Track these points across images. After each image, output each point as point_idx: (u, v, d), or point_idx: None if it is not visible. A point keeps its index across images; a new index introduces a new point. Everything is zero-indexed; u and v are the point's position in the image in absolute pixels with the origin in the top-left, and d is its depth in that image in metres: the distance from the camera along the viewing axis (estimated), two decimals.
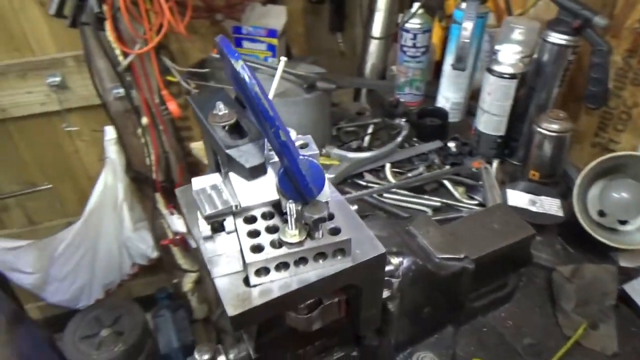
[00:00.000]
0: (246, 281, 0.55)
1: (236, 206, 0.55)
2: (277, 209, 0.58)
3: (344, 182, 1.21)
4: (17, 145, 1.73)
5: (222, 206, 0.54)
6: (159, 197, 1.75)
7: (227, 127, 0.56)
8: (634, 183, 1.02)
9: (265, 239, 0.55)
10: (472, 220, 0.90)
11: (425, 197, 1.15)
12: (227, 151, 0.54)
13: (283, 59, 0.79)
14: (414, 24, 1.34)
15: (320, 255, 0.55)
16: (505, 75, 1.15)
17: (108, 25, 1.34)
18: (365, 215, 1.04)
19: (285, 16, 1.60)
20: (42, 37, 1.55)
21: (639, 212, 1.02)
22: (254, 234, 0.55)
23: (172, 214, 1.76)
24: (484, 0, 1.26)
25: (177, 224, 1.75)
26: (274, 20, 1.58)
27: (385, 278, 0.69)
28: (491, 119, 1.22)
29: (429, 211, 1.12)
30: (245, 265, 0.54)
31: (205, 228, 0.56)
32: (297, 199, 0.53)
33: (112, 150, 1.65)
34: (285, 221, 0.53)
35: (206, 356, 0.68)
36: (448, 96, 1.41)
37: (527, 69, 1.18)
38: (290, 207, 0.52)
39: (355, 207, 0.71)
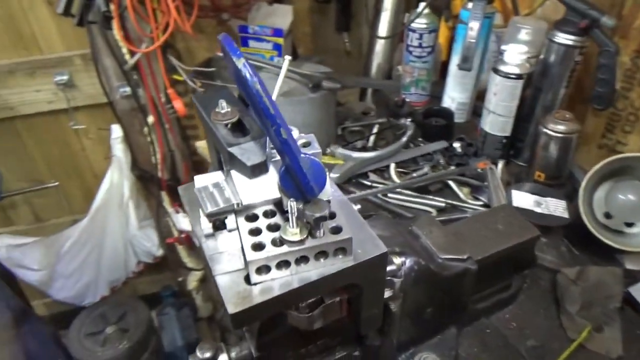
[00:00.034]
0: (247, 279, 0.55)
1: (238, 204, 0.55)
2: (278, 207, 0.58)
3: (348, 182, 1.21)
4: (25, 143, 1.75)
5: (223, 204, 0.54)
6: (164, 195, 1.76)
7: (229, 125, 0.57)
8: None
9: (266, 237, 0.55)
10: (476, 220, 0.89)
11: (430, 197, 1.14)
12: (229, 149, 0.54)
13: (287, 57, 0.79)
14: (420, 23, 1.34)
15: (322, 254, 0.55)
16: (511, 76, 1.14)
17: (115, 24, 1.35)
18: (369, 215, 1.04)
19: (292, 15, 1.60)
20: (50, 36, 1.57)
21: None
22: (255, 232, 0.55)
23: (177, 212, 1.77)
24: (491, 0, 1.26)
25: (182, 222, 1.75)
26: (280, 20, 1.58)
27: (387, 278, 0.68)
28: (497, 120, 1.21)
29: (434, 211, 1.11)
30: (246, 263, 0.54)
31: (206, 226, 0.56)
32: (298, 197, 0.53)
33: (119, 149, 1.66)
34: (287, 219, 0.53)
35: (208, 354, 0.68)
36: (454, 96, 1.40)
37: (533, 70, 1.17)
38: (292, 205, 0.51)
39: (358, 206, 0.71)
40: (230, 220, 0.56)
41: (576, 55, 1.13)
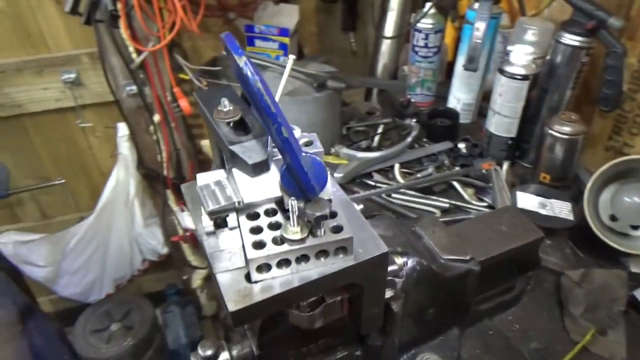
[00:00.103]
0: (248, 277, 0.55)
1: (239, 202, 0.55)
2: (280, 205, 0.58)
3: (352, 182, 1.21)
4: (33, 140, 1.76)
5: (224, 202, 0.55)
6: (169, 193, 1.76)
7: (231, 124, 0.57)
8: None
9: (267, 235, 0.55)
10: (479, 221, 0.89)
11: (434, 198, 1.14)
12: (230, 147, 0.54)
13: (291, 56, 0.79)
14: (426, 23, 1.34)
15: (322, 252, 0.55)
16: (517, 76, 1.14)
17: (122, 22, 1.36)
18: (372, 215, 1.04)
19: (298, 15, 1.60)
20: (57, 34, 1.57)
21: None
22: (256, 230, 0.55)
23: (182, 210, 1.77)
24: (498, 1, 1.25)
25: (187, 220, 1.76)
26: (286, 19, 1.58)
27: (389, 278, 0.68)
28: (502, 121, 1.21)
29: (438, 212, 1.11)
30: (247, 261, 0.54)
31: (208, 223, 0.56)
32: (299, 196, 0.53)
33: (125, 147, 1.67)
34: (288, 218, 0.53)
35: (209, 352, 0.68)
36: (459, 97, 1.40)
37: (539, 70, 1.16)
38: (292, 204, 0.52)
39: (361, 206, 0.70)
40: (231, 219, 0.56)
41: (583, 56, 1.12)
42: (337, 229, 0.55)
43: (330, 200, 0.55)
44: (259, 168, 0.55)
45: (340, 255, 0.56)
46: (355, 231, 0.55)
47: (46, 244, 1.72)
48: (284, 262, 0.54)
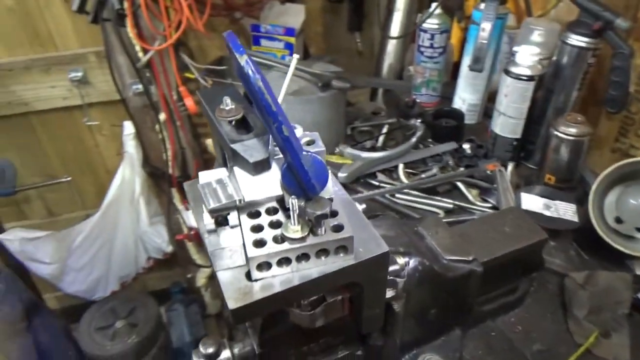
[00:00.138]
0: (248, 275, 0.55)
1: (240, 200, 0.56)
2: (281, 204, 0.58)
3: (356, 182, 1.21)
4: (40, 138, 1.78)
5: (225, 200, 0.55)
6: (175, 192, 1.77)
7: (233, 122, 0.57)
8: None
9: (267, 233, 0.55)
10: (482, 222, 0.89)
11: (438, 198, 1.14)
12: (232, 145, 0.54)
13: (295, 56, 0.79)
14: (431, 24, 1.33)
15: (323, 251, 0.55)
16: (523, 77, 1.13)
17: (128, 21, 1.37)
18: (375, 215, 1.04)
19: (304, 15, 1.61)
20: (65, 33, 1.59)
21: None
22: (257, 228, 0.55)
23: (187, 209, 1.78)
24: (504, 1, 1.25)
25: (192, 219, 1.77)
26: (292, 19, 1.59)
27: (390, 278, 0.68)
28: (507, 121, 1.20)
29: (441, 213, 1.11)
30: (247, 259, 0.54)
31: (209, 221, 0.56)
32: (300, 194, 0.53)
33: (131, 145, 1.68)
34: (289, 217, 0.53)
35: (211, 349, 0.68)
36: (465, 97, 1.39)
37: (545, 71, 1.16)
38: (293, 202, 0.52)
39: (363, 206, 0.71)
40: (232, 217, 0.56)
41: (589, 57, 1.11)
42: (338, 228, 0.55)
43: (331, 199, 0.55)
44: (260, 166, 0.55)
45: (341, 254, 0.56)
46: (356, 230, 0.55)
47: (52, 241, 1.74)
48: (284, 261, 0.54)
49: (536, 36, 1.20)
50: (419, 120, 1.34)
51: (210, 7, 1.40)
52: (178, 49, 1.52)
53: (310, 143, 0.61)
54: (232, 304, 0.52)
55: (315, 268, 0.55)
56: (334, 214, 0.56)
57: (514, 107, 1.18)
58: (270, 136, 0.55)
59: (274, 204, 0.58)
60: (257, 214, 0.57)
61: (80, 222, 1.78)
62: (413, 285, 0.72)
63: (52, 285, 1.85)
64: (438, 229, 0.81)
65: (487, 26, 1.17)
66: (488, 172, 1.18)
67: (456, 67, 1.46)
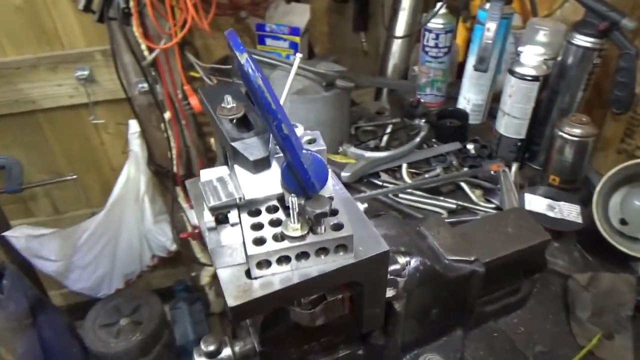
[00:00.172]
0: (248, 273, 0.55)
1: (240, 198, 0.56)
2: (281, 202, 0.58)
3: (360, 181, 1.21)
4: (46, 136, 1.79)
5: (226, 198, 0.55)
6: (179, 190, 1.78)
7: (234, 120, 0.57)
8: None
9: (267, 232, 0.55)
10: (485, 223, 0.88)
11: (441, 198, 1.13)
12: (232, 144, 0.54)
13: (299, 55, 0.79)
14: (436, 23, 1.33)
15: (322, 250, 0.55)
16: (527, 77, 1.13)
17: (134, 20, 1.37)
18: (378, 215, 1.04)
19: (309, 14, 1.60)
20: (72, 32, 1.60)
21: None
22: (257, 226, 0.56)
23: (191, 207, 1.79)
24: (509, 1, 1.24)
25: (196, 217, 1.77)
26: (297, 18, 1.59)
27: (391, 277, 0.68)
28: (512, 122, 1.20)
29: (444, 213, 1.10)
30: (247, 257, 0.54)
31: (209, 219, 0.56)
32: (299, 193, 0.53)
33: (136, 144, 1.69)
34: (289, 215, 0.54)
35: (212, 347, 0.68)
36: (469, 97, 1.39)
37: (550, 72, 1.15)
38: (293, 201, 0.52)
39: (365, 205, 0.70)
40: (232, 215, 0.57)
41: (595, 57, 1.11)
42: (338, 227, 0.55)
43: (331, 198, 0.55)
44: (260, 165, 0.55)
45: (341, 253, 0.56)
46: (356, 229, 0.55)
47: (58, 238, 1.75)
48: (284, 259, 0.54)
49: (541, 36, 1.20)
50: (423, 120, 1.34)
51: (216, 6, 1.40)
52: (183, 48, 1.52)
53: (311, 142, 0.61)
54: (231, 302, 0.52)
55: (315, 266, 0.55)
56: (334, 212, 0.56)
57: (518, 108, 1.17)
58: (271, 135, 0.55)
59: (274, 202, 0.58)
60: (257, 212, 0.57)
61: (86, 219, 1.79)
62: (414, 285, 0.72)
63: (58, 282, 1.86)
64: (440, 228, 0.81)
65: (492, 26, 1.16)
66: (492, 172, 1.17)
67: (461, 67, 1.45)
